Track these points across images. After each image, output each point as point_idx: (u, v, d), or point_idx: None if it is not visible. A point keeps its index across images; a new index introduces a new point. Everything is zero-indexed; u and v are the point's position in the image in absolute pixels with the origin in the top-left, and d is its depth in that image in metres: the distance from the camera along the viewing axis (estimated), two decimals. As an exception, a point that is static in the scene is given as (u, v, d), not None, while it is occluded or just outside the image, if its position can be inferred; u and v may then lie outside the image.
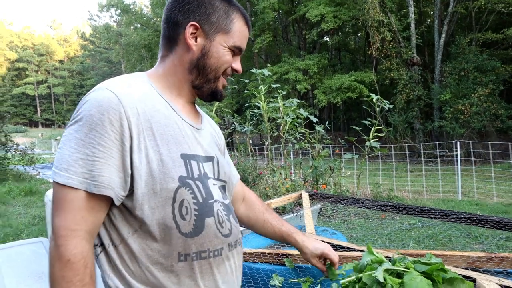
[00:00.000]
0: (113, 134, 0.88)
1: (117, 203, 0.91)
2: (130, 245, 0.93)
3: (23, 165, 12.88)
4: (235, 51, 1.08)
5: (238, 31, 1.07)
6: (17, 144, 12.56)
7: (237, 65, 1.11)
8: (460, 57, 17.02)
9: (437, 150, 11.67)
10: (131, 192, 0.92)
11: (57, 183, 0.87)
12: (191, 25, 1.02)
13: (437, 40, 18.61)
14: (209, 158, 1.07)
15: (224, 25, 1.05)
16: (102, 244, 0.96)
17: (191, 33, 1.03)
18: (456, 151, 9.25)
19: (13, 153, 12.41)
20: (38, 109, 64.78)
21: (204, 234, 0.97)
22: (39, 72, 65.02)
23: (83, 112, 0.90)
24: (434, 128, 17.75)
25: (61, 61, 69.56)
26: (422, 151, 10.88)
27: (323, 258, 1.36)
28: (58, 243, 0.85)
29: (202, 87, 1.08)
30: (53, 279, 0.85)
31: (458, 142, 9.33)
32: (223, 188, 1.11)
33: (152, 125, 0.94)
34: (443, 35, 18.24)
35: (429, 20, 22.60)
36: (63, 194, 0.87)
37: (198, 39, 1.04)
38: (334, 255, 1.35)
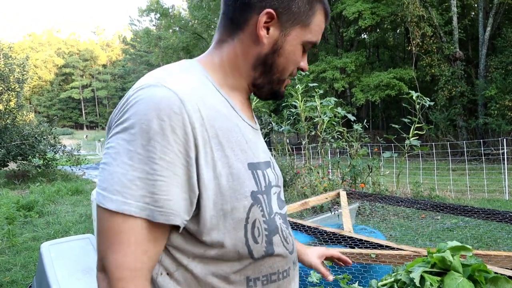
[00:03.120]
0: (176, 145, 0.68)
1: (181, 230, 0.75)
2: (190, 271, 0.76)
3: (70, 166, 13.46)
4: (306, 47, 0.88)
5: (317, 25, 0.87)
6: (65, 146, 13.07)
7: (305, 63, 0.91)
8: (507, 51, 16.28)
9: (482, 148, 11.18)
10: (195, 214, 0.73)
11: (106, 209, 0.67)
12: (267, 12, 0.80)
13: (481, 34, 17.88)
14: (268, 164, 0.90)
15: (305, 17, 0.84)
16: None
17: (265, 22, 0.81)
18: (503, 149, 8.86)
19: (61, 154, 12.92)
20: (83, 112, 67.62)
21: (274, 255, 0.82)
22: (84, 77, 67.93)
23: (134, 115, 0.69)
24: (478, 125, 17.10)
25: (104, 66, 72.31)
26: (465, 149, 10.50)
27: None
28: (116, 286, 0.67)
29: (263, 87, 0.89)
30: None
31: (505, 140, 8.94)
32: (279, 195, 0.93)
33: (217, 132, 0.75)
34: (488, 28, 17.51)
35: (473, 13, 21.71)
36: (117, 223, 0.67)
37: (271, 30, 0.82)
38: (334, 251, 1.26)
